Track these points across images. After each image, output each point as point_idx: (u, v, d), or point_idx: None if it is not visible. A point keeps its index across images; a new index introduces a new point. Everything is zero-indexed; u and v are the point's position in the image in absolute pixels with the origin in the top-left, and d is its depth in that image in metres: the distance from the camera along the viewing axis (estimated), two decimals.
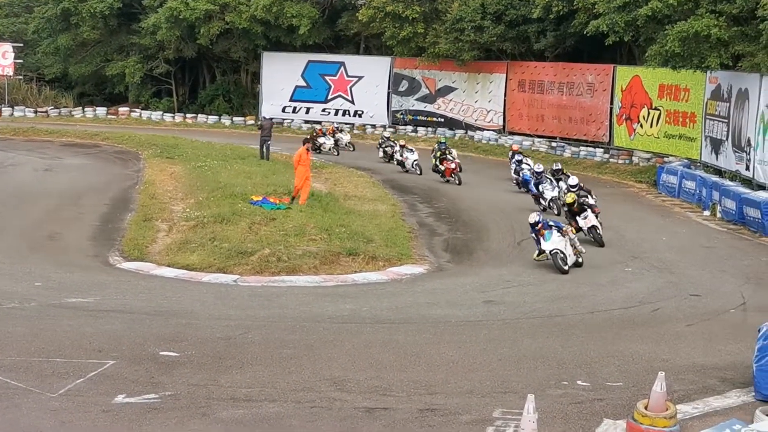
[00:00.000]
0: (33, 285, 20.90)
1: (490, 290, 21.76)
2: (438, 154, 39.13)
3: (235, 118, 57.98)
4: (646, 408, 11.58)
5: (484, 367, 15.07)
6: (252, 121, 56.95)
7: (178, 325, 17.70)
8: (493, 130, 50.82)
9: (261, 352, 15.66)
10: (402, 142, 43.50)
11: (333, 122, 54.21)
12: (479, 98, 51.93)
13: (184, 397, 13.26)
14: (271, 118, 46.13)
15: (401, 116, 54.86)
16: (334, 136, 47.79)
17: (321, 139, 46.75)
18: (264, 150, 41.40)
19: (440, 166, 38.27)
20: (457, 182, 37.46)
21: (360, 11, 51.77)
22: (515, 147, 40.77)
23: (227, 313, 18.93)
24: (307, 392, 13.64)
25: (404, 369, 14.91)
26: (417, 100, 54.54)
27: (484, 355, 15.81)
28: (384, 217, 28.84)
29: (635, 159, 43.20)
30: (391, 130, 53.75)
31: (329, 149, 46.54)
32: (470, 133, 51.66)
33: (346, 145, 48.39)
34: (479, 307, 20.24)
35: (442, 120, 53.46)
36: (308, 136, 41.33)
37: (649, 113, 42.29)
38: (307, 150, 30.45)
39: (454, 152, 39.68)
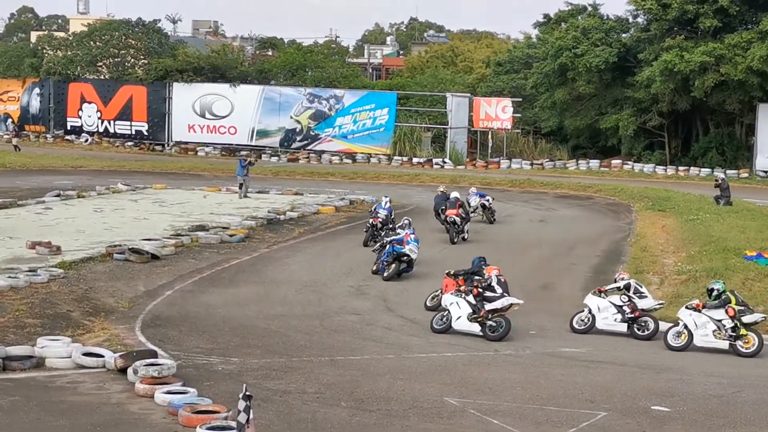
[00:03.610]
0: (528, 333, 21.76)
1: None
2: None
3: (728, 171, 56.61)
4: None
5: None
6: (746, 174, 55.69)
7: (670, 380, 17.76)
8: None
9: (754, 413, 15.39)
10: None
11: None
12: None
13: None
14: (723, 179, 44.46)
15: None
16: None
17: None
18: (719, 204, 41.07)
19: None
20: None
21: None
22: None
23: (719, 370, 18.71)
24: None
25: None
26: None
27: None
28: None
29: None
30: None
31: None
32: None
33: None
34: None
35: None
36: None
37: None
38: None
39: None
